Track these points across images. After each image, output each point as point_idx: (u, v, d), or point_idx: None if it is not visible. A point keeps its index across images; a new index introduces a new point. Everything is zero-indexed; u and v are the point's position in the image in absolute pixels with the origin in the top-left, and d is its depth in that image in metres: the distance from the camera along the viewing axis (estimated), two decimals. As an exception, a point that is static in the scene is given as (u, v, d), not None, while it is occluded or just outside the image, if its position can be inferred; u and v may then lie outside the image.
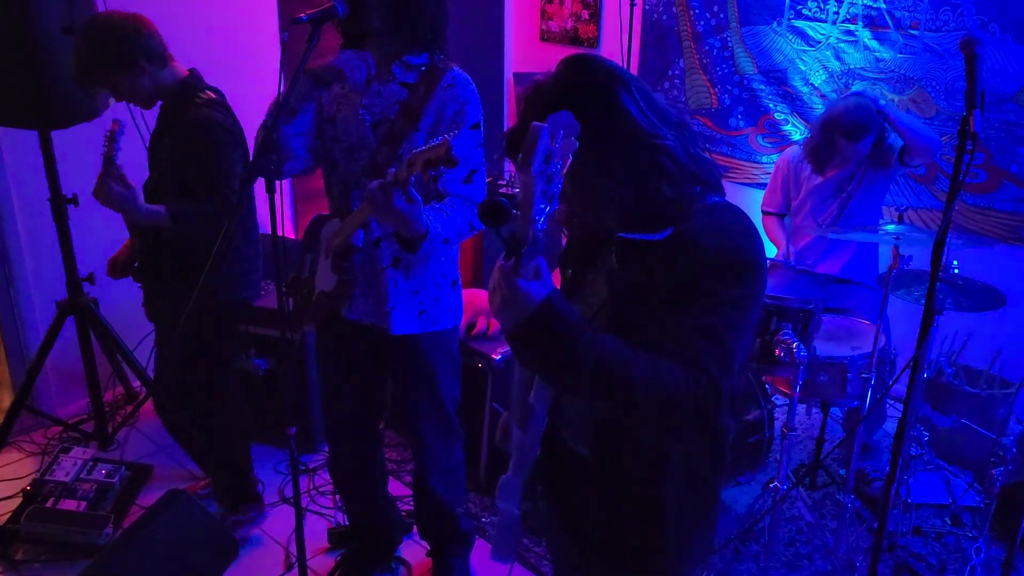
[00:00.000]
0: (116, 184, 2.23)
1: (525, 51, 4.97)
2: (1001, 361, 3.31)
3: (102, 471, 2.94)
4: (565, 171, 1.08)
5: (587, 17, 4.60)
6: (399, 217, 1.77)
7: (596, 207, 1.28)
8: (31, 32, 2.49)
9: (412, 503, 2.58)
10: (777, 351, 2.42)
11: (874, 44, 3.59)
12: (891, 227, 2.56)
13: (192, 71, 2.48)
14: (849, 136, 2.97)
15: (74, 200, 2.89)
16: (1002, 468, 2.52)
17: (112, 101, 2.77)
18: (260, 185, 1.86)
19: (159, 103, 2.46)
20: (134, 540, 2.34)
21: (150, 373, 2.90)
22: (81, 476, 2.90)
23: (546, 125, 1.02)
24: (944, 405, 3.12)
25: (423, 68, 2.04)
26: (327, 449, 2.57)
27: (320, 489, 3.09)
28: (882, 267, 3.31)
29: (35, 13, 2.49)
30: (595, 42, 4.59)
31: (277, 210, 1.89)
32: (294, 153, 2.12)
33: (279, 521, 2.91)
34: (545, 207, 1.05)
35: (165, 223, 2.32)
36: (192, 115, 2.36)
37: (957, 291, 2.49)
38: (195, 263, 2.42)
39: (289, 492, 3.03)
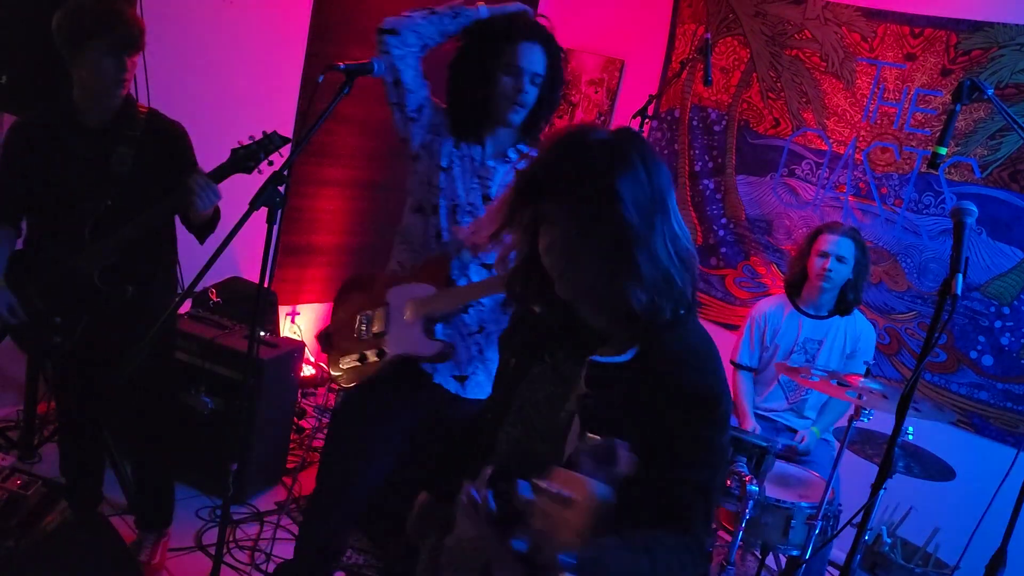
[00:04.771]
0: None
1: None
2: (938, 540, 3.32)
3: (17, 481, 2.79)
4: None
5: (593, 137, 4.79)
6: None
7: (583, 285, 1.27)
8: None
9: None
10: (729, 482, 2.42)
11: (857, 214, 3.78)
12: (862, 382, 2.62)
13: None
14: (831, 230, 3.18)
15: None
16: (929, 645, 2.50)
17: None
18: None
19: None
20: (34, 553, 2.21)
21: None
22: (-6, 482, 2.75)
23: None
24: (879, 572, 3.11)
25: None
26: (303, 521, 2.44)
27: (239, 543, 2.95)
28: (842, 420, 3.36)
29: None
30: (596, 161, 4.76)
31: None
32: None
33: (189, 567, 2.77)
34: None
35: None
36: (160, 123, 2.41)
37: (909, 456, 2.54)
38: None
39: (207, 540, 2.91)
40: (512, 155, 2.15)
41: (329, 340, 2.27)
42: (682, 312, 1.27)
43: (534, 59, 2.07)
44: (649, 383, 1.22)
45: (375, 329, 2.19)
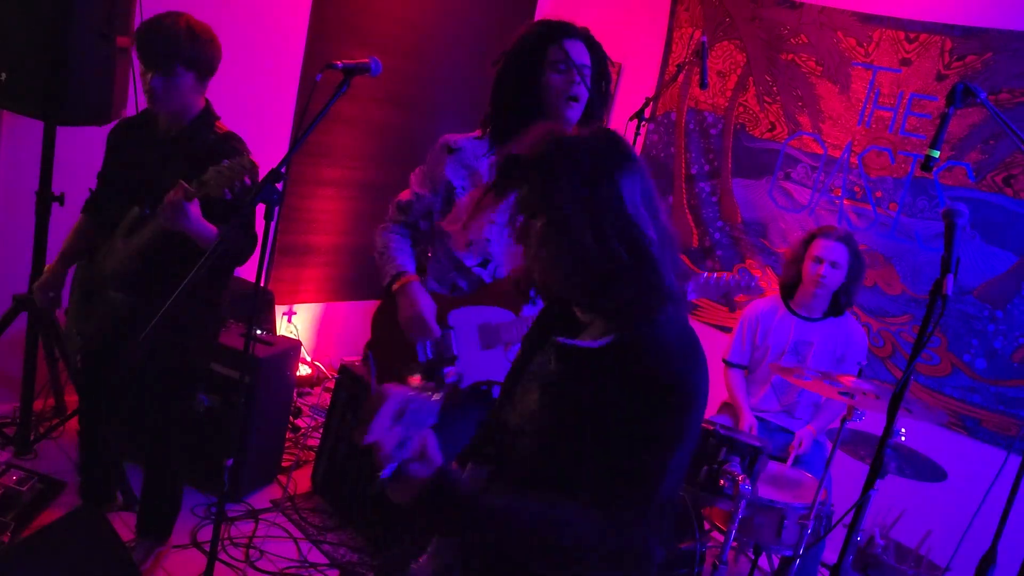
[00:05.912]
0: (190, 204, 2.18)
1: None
2: (930, 542, 3.34)
3: (13, 477, 2.81)
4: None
5: (590, 140, 4.81)
6: None
7: (556, 272, 1.31)
8: (69, 32, 2.56)
9: None
10: (722, 481, 2.43)
11: (852, 217, 3.80)
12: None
13: (207, 100, 2.49)
14: (825, 235, 3.18)
15: (60, 199, 2.88)
16: (920, 645, 2.52)
17: (124, 111, 2.83)
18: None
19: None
20: (29, 549, 2.21)
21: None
22: (-11, 478, 2.77)
23: (394, 395, 1.17)
24: (871, 573, 3.13)
25: None
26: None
27: (235, 540, 2.96)
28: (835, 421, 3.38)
29: (77, 16, 2.57)
30: (593, 164, 4.78)
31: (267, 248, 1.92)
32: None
33: (184, 564, 2.77)
34: (399, 458, 1.16)
35: (208, 244, 2.20)
36: (224, 147, 2.36)
37: (902, 458, 2.55)
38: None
39: (201, 537, 2.91)
40: None
41: (381, 364, 2.15)
42: (662, 306, 1.26)
43: (578, 51, 2.06)
44: (616, 370, 1.24)
45: (444, 353, 2.12)
